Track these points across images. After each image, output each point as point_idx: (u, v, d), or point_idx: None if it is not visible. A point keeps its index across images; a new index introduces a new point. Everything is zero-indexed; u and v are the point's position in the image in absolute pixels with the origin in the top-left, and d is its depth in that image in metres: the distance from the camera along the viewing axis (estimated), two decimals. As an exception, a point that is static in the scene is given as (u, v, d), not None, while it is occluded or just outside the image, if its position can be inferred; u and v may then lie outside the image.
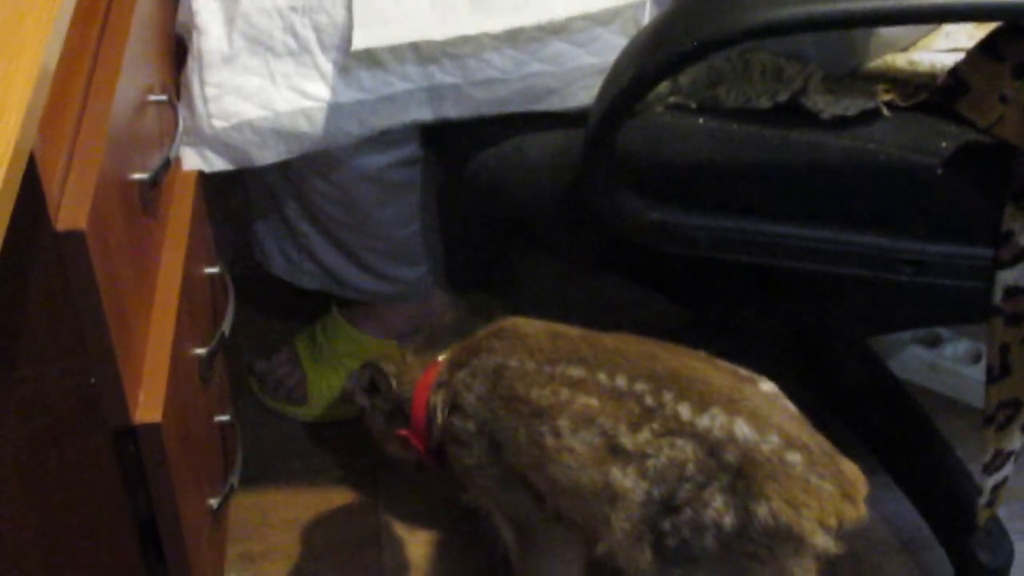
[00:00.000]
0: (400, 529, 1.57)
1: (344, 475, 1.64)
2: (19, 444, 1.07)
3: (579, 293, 1.75)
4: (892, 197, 1.24)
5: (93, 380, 1.04)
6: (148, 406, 1.09)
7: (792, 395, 1.71)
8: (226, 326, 1.33)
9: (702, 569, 1.13)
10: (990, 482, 1.31)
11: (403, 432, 1.32)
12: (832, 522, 1.08)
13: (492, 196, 1.36)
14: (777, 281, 1.43)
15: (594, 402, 1.17)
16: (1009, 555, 1.41)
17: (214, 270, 1.39)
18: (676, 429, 1.13)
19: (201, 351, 1.28)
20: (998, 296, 1.22)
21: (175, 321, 1.18)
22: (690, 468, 1.12)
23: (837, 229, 1.24)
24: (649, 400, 1.15)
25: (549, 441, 1.18)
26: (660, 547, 1.14)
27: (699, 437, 1.12)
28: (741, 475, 1.10)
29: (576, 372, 1.19)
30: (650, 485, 1.13)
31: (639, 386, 1.16)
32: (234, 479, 1.37)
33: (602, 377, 1.18)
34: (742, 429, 1.11)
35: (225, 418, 1.39)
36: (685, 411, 1.13)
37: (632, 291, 1.67)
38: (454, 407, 1.26)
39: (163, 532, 1.14)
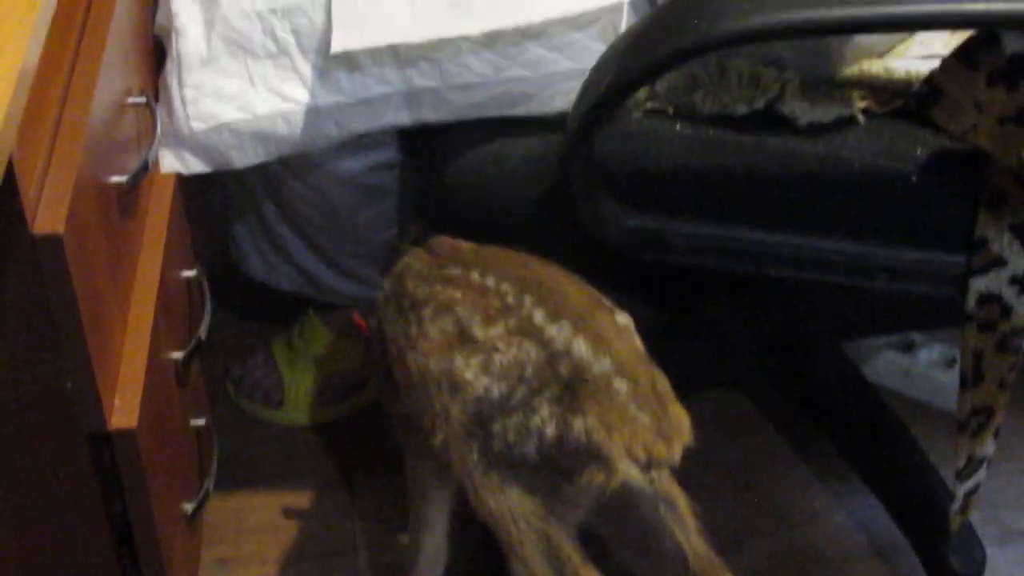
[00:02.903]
0: (376, 534, 1.57)
1: (320, 480, 1.64)
2: (-6, 448, 1.07)
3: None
4: (867, 204, 1.24)
5: (68, 385, 1.04)
6: (123, 411, 1.09)
7: (767, 398, 1.73)
8: (203, 330, 1.32)
9: (519, 479, 1.15)
10: (963, 488, 1.32)
11: (355, 317, 1.39)
12: (639, 453, 1.10)
13: (470, 201, 1.36)
14: (753, 286, 1.43)
15: (458, 295, 1.20)
16: (981, 562, 1.42)
17: (191, 273, 1.39)
18: (527, 330, 1.15)
19: (177, 355, 1.28)
20: (971, 303, 1.23)
21: (151, 325, 1.18)
22: (529, 371, 1.14)
23: (812, 236, 1.25)
24: (510, 300, 1.18)
25: (412, 329, 1.21)
26: (487, 449, 1.15)
27: (544, 343, 1.14)
28: (569, 388, 1.12)
29: (454, 271, 1.23)
30: (491, 381, 1.15)
31: (504, 286, 1.19)
32: (209, 483, 1.37)
33: (474, 276, 1.21)
34: (580, 347, 1.13)
35: (201, 422, 1.39)
36: (539, 316, 1.16)
37: (610, 295, 1.67)
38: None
39: (138, 537, 1.14)
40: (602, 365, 1.12)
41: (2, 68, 0.86)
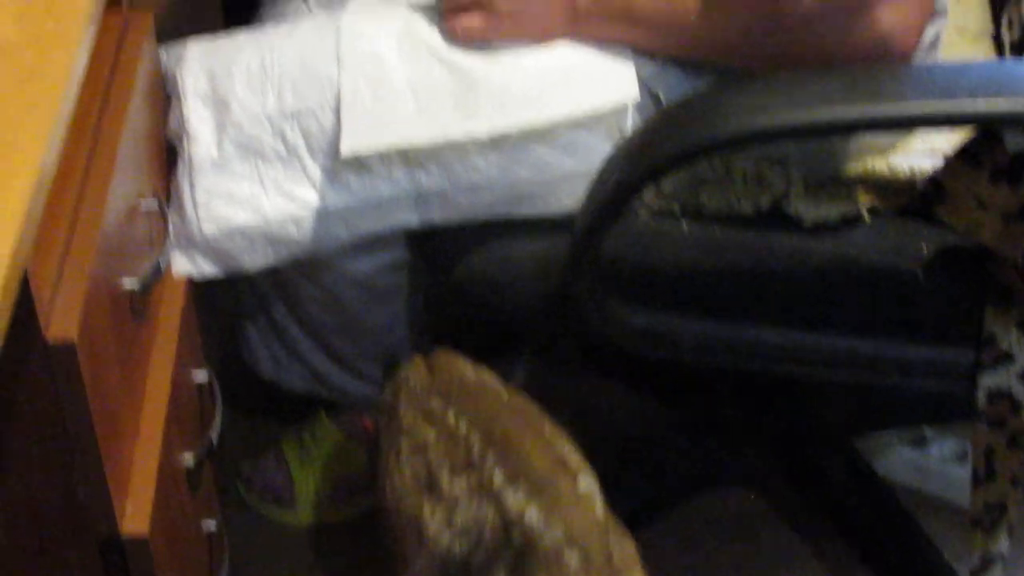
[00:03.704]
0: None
1: (331, 579, 1.63)
2: (4, 555, 1.06)
3: (564, 393, 1.75)
4: (875, 302, 1.25)
5: (80, 492, 1.04)
6: (135, 517, 1.08)
7: (778, 495, 1.72)
8: (214, 432, 1.33)
9: None
10: (978, 585, 1.31)
11: (365, 420, 1.37)
12: None
13: (478, 300, 1.37)
14: (763, 383, 1.43)
15: (432, 436, 1.20)
16: (998, 658, 1.40)
17: (202, 375, 1.39)
18: (487, 490, 1.14)
19: (189, 459, 1.28)
20: (981, 399, 1.23)
21: (163, 429, 1.18)
22: (487, 534, 1.13)
23: (821, 334, 1.25)
24: (475, 453, 1.17)
25: (392, 459, 1.22)
26: None
27: (500, 508, 1.13)
28: (520, 557, 1.11)
29: (435, 404, 1.23)
30: (453, 537, 1.14)
31: (473, 437, 1.18)
32: (220, 586, 1.36)
33: (450, 417, 1.21)
34: (532, 514, 1.12)
35: (212, 522, 1.38)
36: (498, 477, 1.15)
37: (618, 391, 1.67)
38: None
39: (149, 643, 1.13)
40: (554, 535, 1.10)
41: (17, 186, 0.86)
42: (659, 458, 1.68)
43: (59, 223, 1.04)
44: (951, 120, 1.19)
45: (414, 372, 1.27)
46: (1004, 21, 1.49)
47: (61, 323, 0.98)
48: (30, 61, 0.96)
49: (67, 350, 0.96)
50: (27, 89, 0.94)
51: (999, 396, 1.22)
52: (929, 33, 1.27)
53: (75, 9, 1.02)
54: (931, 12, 1.21)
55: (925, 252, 1.23)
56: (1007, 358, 1.21)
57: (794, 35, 1.21)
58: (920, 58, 1.26)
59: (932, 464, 1.73)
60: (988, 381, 1.22)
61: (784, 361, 1.26)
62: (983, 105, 1.11)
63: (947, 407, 1.39)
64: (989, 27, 1.49)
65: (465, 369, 1.27)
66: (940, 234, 1.24)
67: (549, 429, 1.21)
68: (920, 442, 1.76)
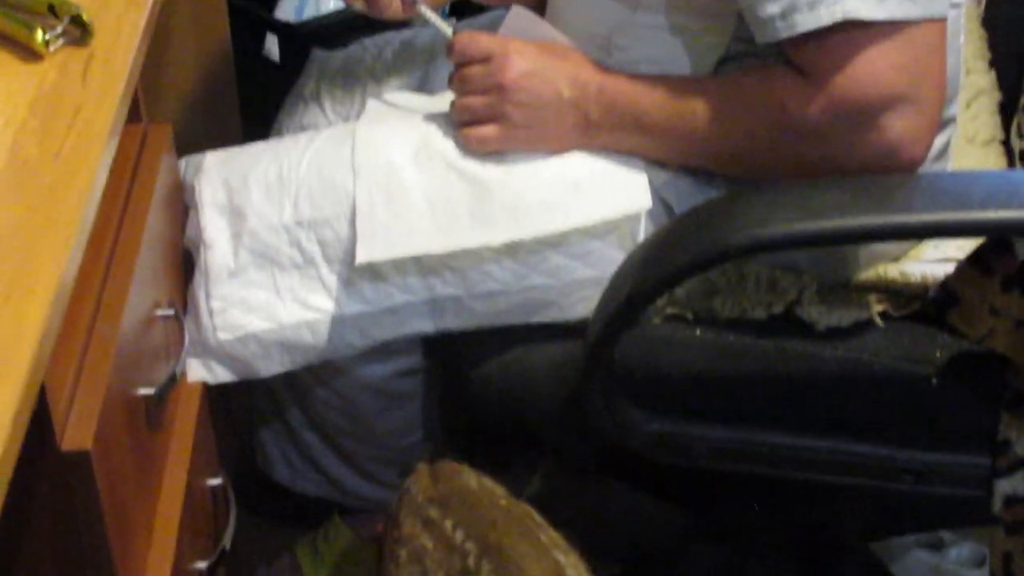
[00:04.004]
0: None
1: None
2: (17, 665, 1.06)
3: (580, 497, 1.75)
4: (889, 407, 1.25)
5: (93, 600, 1.04)
6: (148, 626, 1.09)
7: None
8: (227, 539, 1.32)
9: None
10: None
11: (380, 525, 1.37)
12: None
13: (494, 405, 1.37)
14: (776, 488, 1.43)
15: (429, 545, 1.19)
16: None
17: (216, 481, 1.39)
18: None
19: (202, 566, 1.28)
20: (998, 505, 1.23)
21: (177, 535, 1.18)
22: None
23: (835, 439, 1.25)
24: (471, 562, 1.17)
25: (391, 567, 1.21)
26: None
27: None
28: None
29: (434, 513, 1.22)
30: None
31: (469, 545, 1.18)
32: None
33: (447, 525, 1.20)
34: None
35: (225, 630, 1.38)
36: None
37: (634, 495, 1.67)
38: None
39: None
40: None
41: (36, 302, 0.87)
42: (675, 561, 1.67)
43: (76, 334, 1.05)
44: (962, 230, 1.20)
45: (417, 481, 1.27)
46: (1014, 128, 1.50)
47: (76, 433, 0.99)
48: (51, 178, 0.98)
49: (81, 459, 0.97)
50: (48, 205, 0.96)
51: (1015, 501, 1.22)
52: (938, 142, 1.28)
53: (96, 127, 1.04)
54: (939, 122, 1.22)
55: (938, 357, 1.23)
56: (1023, 464, 1.21)
57: (803, 144, 1.22)
58: (929, 167, 1.27)
59: (949, 568, 1.72)
60: (1004, 486, 1.22)
61: (798, 467, 1.26)
62: (993, 215, 1.12)
63: (964, 511, 1.38)
64: (999, 134, 1.50)
65: (468, 479, 1.27)
66: (953, 339, 1.25)
67: (548, 538, 1.21)
68: (937, 546, 1.74)
